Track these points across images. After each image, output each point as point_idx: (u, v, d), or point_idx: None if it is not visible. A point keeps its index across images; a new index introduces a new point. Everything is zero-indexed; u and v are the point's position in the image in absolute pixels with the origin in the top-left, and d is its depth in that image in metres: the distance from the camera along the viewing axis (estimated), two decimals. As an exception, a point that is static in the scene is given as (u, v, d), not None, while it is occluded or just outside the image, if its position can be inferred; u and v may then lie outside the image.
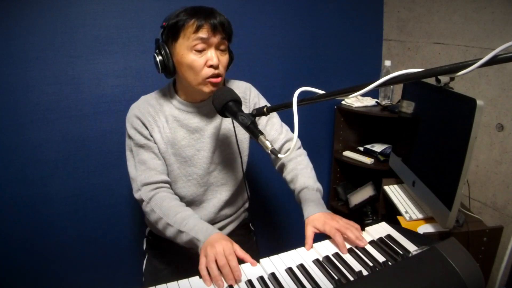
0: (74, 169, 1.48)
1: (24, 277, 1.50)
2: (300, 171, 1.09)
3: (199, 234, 0.89)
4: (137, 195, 1.03)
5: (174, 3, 1.47)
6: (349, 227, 0.90)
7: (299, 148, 1.19)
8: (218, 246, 0.82)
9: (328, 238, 0.91)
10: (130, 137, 1.06)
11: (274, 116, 1.17)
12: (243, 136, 1.15)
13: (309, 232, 0.92)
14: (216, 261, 0.80)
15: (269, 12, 1.68)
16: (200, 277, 0.80)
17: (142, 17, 1.46)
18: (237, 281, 0.78)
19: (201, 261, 0.82)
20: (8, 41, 1.29)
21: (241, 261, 0.83)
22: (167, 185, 1.06)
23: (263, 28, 1.68)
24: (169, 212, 0.96)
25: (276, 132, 1.15)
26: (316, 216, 0.95)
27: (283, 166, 1.15)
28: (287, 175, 1.12)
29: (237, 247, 0.85)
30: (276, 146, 1.14)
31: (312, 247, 0.89)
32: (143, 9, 1.45)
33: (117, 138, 1.51)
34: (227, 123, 1.12)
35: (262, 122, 1.16)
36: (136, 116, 1.05)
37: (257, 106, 1.14)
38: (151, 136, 1.05)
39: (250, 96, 1.15)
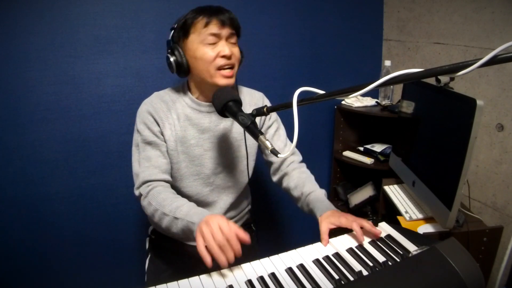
0: (74, 169, 1.48)
1: (24, 277, 1.49)
2: (306, 179, 1.14)
3: (194, 217, 0.88)
4: (137, 192, 1.04)
5: (174, 3, 1.48)
6: (363, 220, 0.92)
7: (301, 162, 1.22)
8: (213, 223, 0.80)
9: (329, 237, 0.91)
10: (138, 132, 1.06)
11: (281, 129, 1.22)
12: (253, 141, 1.16)
13: (325, 228, 0.93)
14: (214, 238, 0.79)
15: (269, 12, 1.68)
16: (200, 275, 0.80)
17: (142, 17, 1.46)
18: (236, 254, 0.78)
19: (199, 242, 0.80)
20: (8, 41, 1.29)
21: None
22: (167, 184, 1.06)
23: (263, 28, 1.68)
24: (165, 203, 0.96)
25: (282, 143, 1.19)
26: (329, 213, 0.97)
27: (285, 175, 1.18)
28: (291, 182, 1.15)
29: (230, 223, 0.83)
30: (283, 155, 1.16)
31: (329, 242, 0.90)
32: (143, 9, 1.45)
33: (117, 138, 1.51)
34: (238, 126, 1.13)
35: (270, 132, 1.19)
36: (148, 112, 1.05)
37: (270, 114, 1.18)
38: (162, 133, 1.06)
39: (263, 104, 1.18)
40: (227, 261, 0.77)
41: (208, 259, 0.77)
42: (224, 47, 0.99)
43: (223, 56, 0.99)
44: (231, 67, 1.02)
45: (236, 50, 1.03)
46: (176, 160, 1.08)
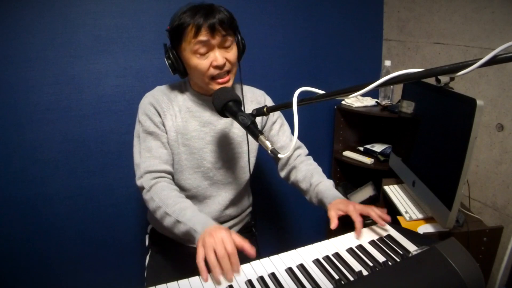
0: (74, 169, 1.48)
1: (24, 277, 1.50)
2: (313, 170, 1.15)
3: (197, 225, 0.88)
4: (138, 182, 1.03)
5: (174, 3, 1.48)
6: (372, 208, 0.94)
7: (307, 155, 1.23)
8: (216, 236, 0.80)
9: (329, 237, 0.91)
10: (140, 123, 1.06)
11: (286, 125, 1.23)
12: None
13: (333, 214, 0.94)
14: (215, 252, 0.79)
15: (269, 12, 1.68)
16: (200, 274, 0.80)
17: (142, 17, 1.46)
18: (234, 270, 0.78)
19: (199, 252, 0.80)
20: (8, 41, 1.29)
21: (240, 256, 0.82)
22: (169, 176, 1.06)
23: (263, 28, 1.68)
24: (168, 202, 0.96)
25: (288, 138, 1.20)
26: (338, 201, 0.99)
27: (293, 168, 1.19)
28: (299, 174, 1.15)
29: (235, 236, 0.83)
30: (287, 152, 1.16)
31: (337, 225, 0.92)
32: (143, 9, 1.45)
33: (117, 138, 1.51)
34: None
35: (275, 127, 1.20)
36: (150, 103, 1.06)
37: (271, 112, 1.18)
38: (163, 124, 1.06)
39: (265, 101, 1.19)
40: (222, 277, 0.77)
41: (205, 274, 0.77)
42: (217, 57, 0.97)
43: (216, 67, 0.98)
44: (227, 73, 1.02)
45: (230, 54, 1.00)
46: (177, 151, 1.08)
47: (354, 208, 0.93)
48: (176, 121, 1.07)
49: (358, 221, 0.91)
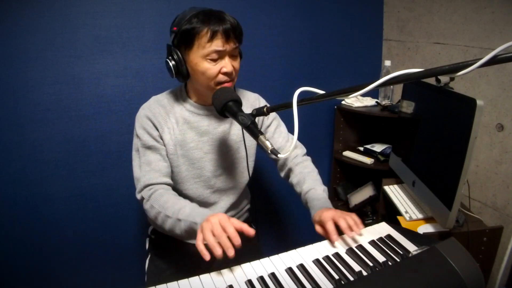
0: (74, 169, 1.48)
1: (24, 277, 1.49)
2: (307, 174, 1.13)
3: (196, 218, 0.89)
4: (138, 196, 1.04)
5: (174, 3, 1.48)
6: (344, 217, 0.91)
7: (305, 155, 1.22)
8: (213, 219, 0.81)
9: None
10: (138, 137, 1.06)
11: (282, 126, 1.22)
12: (252, 142, 1.16)
13: (318, 229, 0.95)
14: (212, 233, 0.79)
15: (269, 12, 1.68)
16: (200, 275, 0.80)
17: (142, 17, 1.46)
18: (236, 247, 0.78)
19: (198, 237, 0.81)
20: (8, 41, 1.29)
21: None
22: (168, 187, 1.06)
23: (263, 28, 1.68)
24: (167, 205, 0.97)
25: (284, 139, 1.19)
26: (319, 211, 0.98)
27: (290, 171, 1.19)
28: (294, 178, 1.15)
29: (233, 219, 0.83)
30: (284, 153, 1.16)
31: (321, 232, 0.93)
32: (143, 9, 1.45)
33: (117, 138, 1.51)
34: (237, 128, 1.13)
35: (270, 130, 1.19)
36: (147, 116, 1.05)
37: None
38: (161, 137, 1.06)
39: (259, 105, 1.18)
40: (222, 252, 0.77)
41: (206, 255, 0.78)
42: (227, 64, 0.97)
43: (225, 73, 0.99)
44: (231, 80, 1.02)
45: (236, 63, 1.02)
46: (176, 163, 1.08)
47: (325, 217, 0.92)
48: (174, 134, 1.06)
49: (329, 229, 0.89)
